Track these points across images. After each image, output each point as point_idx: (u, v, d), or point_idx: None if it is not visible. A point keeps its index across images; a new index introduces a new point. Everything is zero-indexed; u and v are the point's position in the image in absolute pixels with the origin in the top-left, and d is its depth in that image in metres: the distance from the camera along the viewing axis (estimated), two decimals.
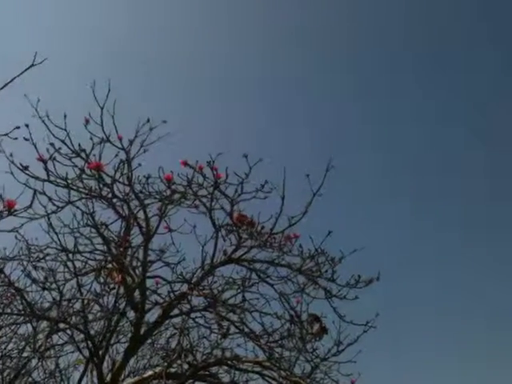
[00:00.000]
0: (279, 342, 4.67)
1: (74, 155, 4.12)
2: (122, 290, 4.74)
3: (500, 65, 12.67)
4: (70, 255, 4.62)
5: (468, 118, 13.82)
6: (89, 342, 4.67)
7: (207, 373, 4.76)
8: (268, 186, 4.27)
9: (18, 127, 2.70)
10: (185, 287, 4.48)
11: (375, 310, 4.65)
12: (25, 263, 4.29)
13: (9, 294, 4.76)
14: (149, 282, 4.65)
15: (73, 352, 5.62)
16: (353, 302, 4.63)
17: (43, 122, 4.05)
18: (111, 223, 4.55)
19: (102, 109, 4.11)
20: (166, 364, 4.54)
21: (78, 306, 4.77)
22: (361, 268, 4.67)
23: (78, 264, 4.67)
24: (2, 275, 4.26)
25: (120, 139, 4.23)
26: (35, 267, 4.27)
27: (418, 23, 12.37)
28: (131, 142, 4.23)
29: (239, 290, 4.67)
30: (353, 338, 4.69)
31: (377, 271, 4.60)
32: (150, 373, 4.81)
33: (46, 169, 3.94)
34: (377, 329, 4.67)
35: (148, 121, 4.18)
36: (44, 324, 4.94)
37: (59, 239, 4.44)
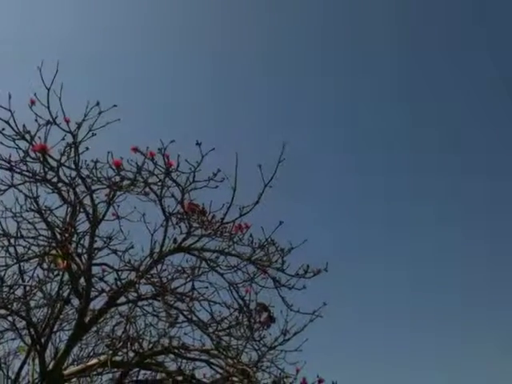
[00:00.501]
0: (227, 330, 4.68)
1: (18, 137, 3.94)
2: (66, 277, 4.63)
3: None
4: (12, 240, 4.47)
5: None
6: (31, 329, 4.56)
7: (153, 361, 4.72)
8: (220, 175, 4.21)
9: None
10: (132, 275, 4.40)
11: (324, 299, 4.71)
12: None
13: None
14: (95, 270, 4.55)
15: (14, 339, 5.48)
16: (301, 292, 4.69)
17: None
18: (56, 208, 4.40)
19: (48, 90, 3.93)
20: (111, 352, 4.47)
21: (19, 292, 4.63)
22: (310, 258, 4.73)
23: (21, 249, 4.52)
24: None
25: (67, 122, 4.07)
26: None
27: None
28: (79, 126, 4.07)
29: (188, 279, 4.63)
30: (299, 327, 4.75)
31: (325, 262, 4.66)
32: (94, 361, 4.73)
33: None
34: (323, 318, 4.76)
35: (97, 104, 4.03)
36: None
37: (0, 223, 4.29)
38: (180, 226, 4.40)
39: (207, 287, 4.65)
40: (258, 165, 4.21)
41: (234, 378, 4.59)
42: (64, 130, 4.10)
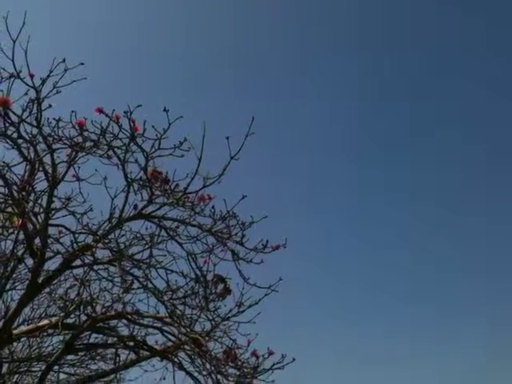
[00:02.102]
0: (182, 299, 4.70)
1: None
2: (21, 236, 4.53)
3: None
4: None
5: None
6: None
7: (106, 326, 4.71)
8: (186, 144, 4.16)
9: None
10: (89, 239, 4.35)
11: (280, 274, 4.76)
12: None
13: None
14: (51, 230, 4.47)
15: None
16: (259, 266, 4.74)
17: None
18: (15, 165, 4.27)
19: (14, 42, 3.77)
20: (62, 314, 4.43)
21: None
22: (269, 234, 4.77)
23: None
24: None
25: (31, 77, 3.92)
26: None
27: None
28: (43, 81, 3.93)
29: (147, 246, 4.61)
30: (254, 300, 4.80)
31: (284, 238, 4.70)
32: (45, 322, 4.69)
33: None
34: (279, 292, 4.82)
35: (64, 61, 3.89)
36: None
37: None
38: (142, 193, 4.34)
39: (165, 255, 4.65)
40: (225, 137, 4.17)
41: (186, 347, 4.64)
42: (28, 85, 3.95)
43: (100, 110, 3.98)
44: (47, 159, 4.18)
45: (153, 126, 4.00)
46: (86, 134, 4.06)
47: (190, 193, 4.38)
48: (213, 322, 4.76)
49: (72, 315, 4.54)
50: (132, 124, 4.04)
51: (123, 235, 4.51)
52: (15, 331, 4.54)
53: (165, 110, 3.94)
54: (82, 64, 3.91)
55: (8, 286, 4.97)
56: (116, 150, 4.17)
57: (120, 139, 4.11)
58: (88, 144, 4.14)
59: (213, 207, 4.55)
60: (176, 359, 4.93)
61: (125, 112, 3.98)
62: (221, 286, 4.76)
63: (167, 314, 4.53)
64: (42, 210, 4.31)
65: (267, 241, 4.68)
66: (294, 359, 4.51)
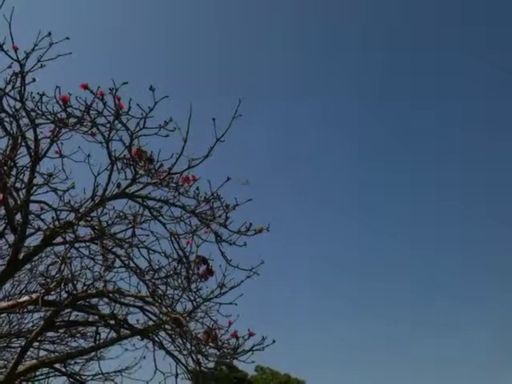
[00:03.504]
0: (164, 279, 4.70)
1: None
2: (2, 211, 4.48)
3: None
4: None
5: None
6: None
7: (87, 303, 4.70)
8: (172, 124, 4.11)
9: None
10: (71, 216, 4.31)
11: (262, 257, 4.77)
12: None
13: None
14: (33, 207, 4.42)
15: None
16: (241, 248, 4.74)
17: None
18: None
19: None
20: (43, 291, 4.41)
21: None
22: (253, 216, 4.77)
23: None
24: None
25: (15, 50, 3.84)
26: None
27: None
28: (27, 55, 3.85)
29: (129, 225, 4.58)
30: (236, 282, 4.82)
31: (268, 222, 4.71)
32: (25, 298, 4.66)
33: None
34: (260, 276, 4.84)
35: (49, 35, 3.80)
36: None
37: None
38: (125, 172, 4.31)
39: (148, 235, 4.63)
40: (212, 118, 4.14)
41: (167, 326, 4.65)
42: (11, 58, 3.87)
43: (85, 86, 3.92)
44: (30, 134, 4.13)
45: (138, 105, 3.96)
46: (69, 109, 4.01)
47: (175, 173, 4.36)
48: (194, 303, 4.78)
49: (53, 292, 4.52)
50: (117, 101, 3.98)
51: (106, 213, 4.48)
52: None
53: (151, 88, 3.89)
54: (68, 39, 3.84)
55: None
56: (100, 127, 4.13)
57: (105, 116, 4.06)
58: (72, 120, 4.09)
59: (197, 188, 4.53)
60: (157, 338, 4.95)
61: (110, 89, 3.92)
62: (203, 267, 4.76)
63: (149, 294, 4.53)
64: (23, 185, 4.26)
65: (250, 224, 4.67)
66: (274, 341, 4.55)
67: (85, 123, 4.08)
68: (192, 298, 4.76)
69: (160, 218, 4.56)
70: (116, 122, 4.07)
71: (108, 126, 4.09)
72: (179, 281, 4.75)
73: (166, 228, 4.59)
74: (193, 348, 4.59)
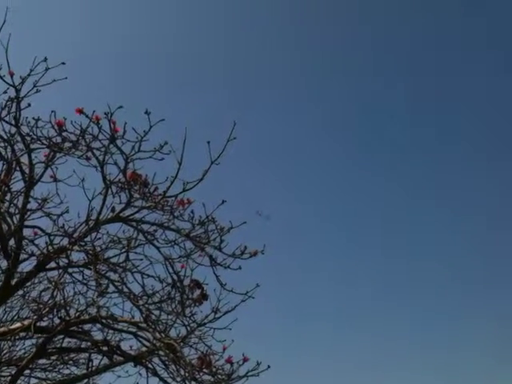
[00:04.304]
0: (158, 304, 4.66)
1: None
2: None
3: None
4: None
5: None
6: None
7: (79, 329, 4.63)
8: (167, 147, 4.14)
9: None
10: (65, 241, 4.28)
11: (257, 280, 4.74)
12: None
13: None
14: (26, 232, 4.39)
15: None
16: (236, 272, 4.72)
17: None
18: None
19: None
20: (35, 317, 4.35)
21: None
22: (248, 239, 4.76)
23: None
24: None
25: (11, 75, 3.87)
26: None
27: None
28: (23, 80, 3.88)
29: (123, 250, 4.56)
30: (231, 307, 4.78)
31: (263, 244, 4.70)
32: (17, 324, 4.59)
33: None
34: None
35: (45, 60, 3.84)
36: None
37: None
38: (120, 196, 4.30)
39: (142, 259, 4.60)
40: (207, 141, 4.17)
41: (160, 352, 4.59)
42: (7, 83, 3.90)
43: (80, 111, 3.94)
44: (24, 159, 4.13)
45: (133, 128, 3.98)
46: (65, 134, 4.03)
47: (170, 196, 4.36)
48: (188, 328, 4.73)
49: (45, 318, 4.46)
50: (112, 125, 4.01)
51: (99, 238, 4.46)
52: None
53: (146, 112, 3.92)
54: (64, 64, 3.87)
55: None
56: (95, 151, 4.14)
57: (100, 140, 4.08)
58: (67, 144, 4.10)
59: (192, 211, 4.53)
60: (150, 365, 4.88)
61: (105, 113, 3.95)
62: (197, 292, 4.73)
63: (142, 319, 4.48)
64: (17, 210, 4.24)
65: (245, 247, 4.67)
66: (269, 366, 4.49)
67: (80, 147, 4.10)
68: (186, 323, 4.71)
69: (154, 241, 4.55)
70: (111, 145, 4.08)
71: (103, 149, 4.10)
72: (173, 306, 4.71)
73: (160, 252, 4.57)
74: (186, 374, 4.52)
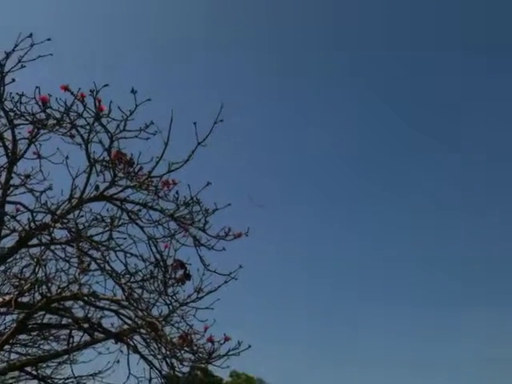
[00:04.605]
0: (140, 283, 4.67)
1: None
2: None
3: None
4: None
5: None
6: None
7: (61, 306, 4.64)
8: (152, 127, 4.11)
9: None
10: (48, 218, 4.26)
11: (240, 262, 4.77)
12: None
13: None
14: (8, 207, 4.36)
15: None
16: (220, 253, 4.75)
17: None
18: None
19: None
20: (16, 292, 4.34)
21: None
22: (232, 221, 4.79)
23: None
24: None
25: None
26: None
27: None
28: (7, 55, 3.80)
29: (107, 228, 4.55)
30: (214, 287, 4.82)
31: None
32: None
33: None
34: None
35: (30, 36, 3.77)
36: None
37: None
38: (104, 174, 4.28)
39: (125, 238, 4.60)
40: (193, 122, 4.15)
41: (142, 330, 4.62)
42: None
43: (65, 88, 3.89)
44: (8, 134, 4.08)
45: (119, 107, 3.94)
46: (49, 111, 3.97)
47: (155, 177, 4.35)
48: (170, 307, 4.76)
49: (26, 294, 4.45)
50: (97, 103, 3.96)
51: (82, 216, 4.45)
52: None
53: (132, 91, 3.88)
54: (49, 40, 3.80)
55: None
56: (80, 129, 4.10)
57: (84, 118, 4.04)
58: (51, 121, 4.05)
59: (177, 192, 4.53)
60: (131, 342, 4.92)
61: (91, 91, 3.90)
62: (180, 272, 4.75)
63: (124, 297, 4.49)
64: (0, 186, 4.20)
65: (229, 228, 4.69)
66: (249, 346, 4.55)
67: (64, 125, 4.05)
68: (168, 302, 4.74)
69: (138, 221, 4.54)
70: (96, 123, 4.04)
71: (87, 127, 4.06)
72: (156, 285, 4.73)
73: (143, 231, 4.57)
74: (167, 352, 4.57)
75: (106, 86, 3.88)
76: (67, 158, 4.23)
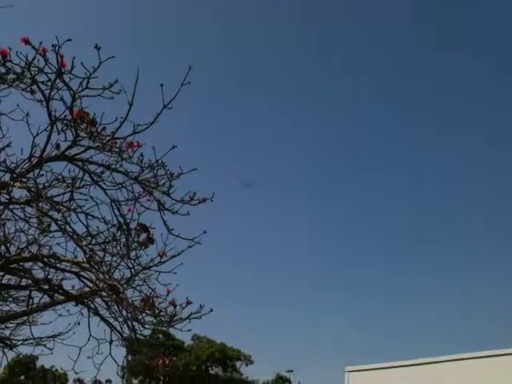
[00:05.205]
0: (102, 245, 4.63)
1: None
2: None
3: None
4: None
5: None
6: None
7: (20, 267, 4.57)
8: (117, 86, 3.98)
9: None
10: (7, 177, 4.13)
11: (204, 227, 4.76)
12: None
13: None
14: None
15: None
16: (184, 218, 4.73)
17: None
18: None
19: None
20: None
21: None
22: (197, 186, 4.75)
23: None
24: None
25: None
26: None
27: None
28: None
29: (68, 189, 4.45)
30: (177, 251, 4.81)
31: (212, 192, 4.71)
32: None
33: None
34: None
35: None
36: None
37: None
38: (66, 133, 4.15)
39: (87, 200, 4.51)
40: (160, 84, 4.04)
41: (103, 293, 4.60)
42: None
43: (26, 41, 3.72)
44: None
45: (82, 64, 3.80)
46: (9, 64, 3.79)
47: (119, 138, 4.24)
48: (133, 270, 4.74)
49: None
50: (60, 59, 3.80)
51: (43, 175, 4.32)
52: None
53: (96, 47, 3.74)
54: None
55: None
56: (41, 85, 3.93)
57: (46, 74, 3.88)
58: (11, 76, 3.87)
59: (141, 155, 4.45)
60: (92, 305, 4.90)
61: (53, 46, 3.74)
62: (144, 235, 4.72)
63: (85, 260, 4.44)
64: None
65: (194, 193, 4.66)
66: (211, 310, 4.60)
67: (24, 80, 3.88)
68: (131, 265, 4.72)
69: (101, 183, 4.46)
70: (58, 80, 3.89)
71: (49, 84, 3.90)
72: (118, 248, 4.70)
73: (106, 194, 4.50)
74: (129, 315, 4.57)
75: (68, 40, 3.72)
76: (27, 115, 4.08)
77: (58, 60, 3.80)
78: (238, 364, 55.61)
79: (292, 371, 55.65)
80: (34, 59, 3.81)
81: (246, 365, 55.68)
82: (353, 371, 12.72)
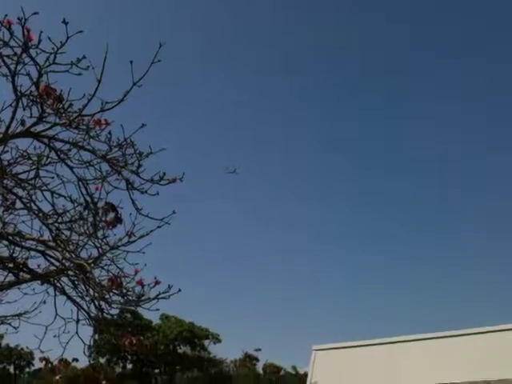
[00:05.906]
0: (68, 224, 4.57)
1: None
2: None
3: None
4: None
5: None
6: None
7: None
8: (85, 62, 3.89)
9: None
10: None
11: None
12: None
13: None
14: None
15: None
16: (154, 198, 4.69)
17: None
18: None
19: None
20: None
21: None
22: (166, 166, 4.72)
23: None
24: None
25: None
26: None
27: None
28: None
29: (33, 166, 4.36)
30: (146, 231, 4.78)
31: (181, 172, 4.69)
32: None
33: None
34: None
35: None
36: None
37: None
38: (31, 109, 4.04)
39: (53, 178, 4.43)
40: (129, 61, 3.97)
41: (70, 272, 4.56)
42: None
43: None
44: None
45: (49, 38, 3.69)
46: None
47: (86, 115, 4.16)
48: (100, 250, 4.70)
49: None
50: (26, 33, 3.69)
51: (7, 151, 4.22)
52: None
53: (64, 21, 3.64)
54: None
55: None
56: (6, 59, 3.81)
57: (11, 47, 3.75)
58: None
59: (109, 133, 4.37)
60: (58, 284, 4.85)
61: (19, 18, 3.62)
62: (111, 215, 4.67)
63: (51, 238, 4.39)
64: None
65: (164, 173, 4.62)
66: (179, 290, 4.61)
67: None
68: (98, 245, 4.68)
69: (67, 161, 4.38)
70: (24, 54, 3.78)
71: (15, 58, 3.79)
72: (85, 227, 4.64)
73: (73, 172, 4.42)
74: (96, 294, 4.55)
75: (35, 13, 3.61)
76: None
77: (24, 33, 3.69)
78: (206, 343, 56.11)
79: (260, 350, 56.55)
80: None
81: (214, 343, 56.25)
82: (320, 350, 12.95)
